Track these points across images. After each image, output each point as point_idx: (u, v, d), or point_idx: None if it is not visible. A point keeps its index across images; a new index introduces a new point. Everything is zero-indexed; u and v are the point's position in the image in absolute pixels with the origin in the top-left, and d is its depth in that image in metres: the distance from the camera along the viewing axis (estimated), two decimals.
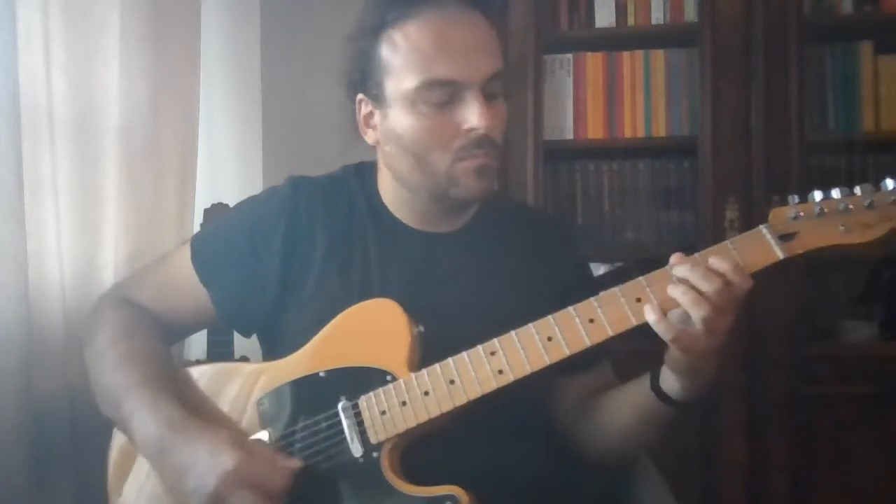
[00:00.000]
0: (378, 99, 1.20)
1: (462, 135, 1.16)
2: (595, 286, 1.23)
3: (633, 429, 1.22)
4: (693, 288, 1.03)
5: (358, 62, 1.21)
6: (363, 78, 1.21)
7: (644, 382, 1.18)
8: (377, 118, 1.22)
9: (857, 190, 1.04)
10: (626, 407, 1.21)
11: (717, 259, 1.04)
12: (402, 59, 1.16)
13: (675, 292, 1.04)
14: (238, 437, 1.13)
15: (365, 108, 1.23)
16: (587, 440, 1.27)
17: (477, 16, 1.19)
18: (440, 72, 1.14)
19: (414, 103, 1.16)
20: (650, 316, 1.04)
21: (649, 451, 1.35)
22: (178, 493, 1.12)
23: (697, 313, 1.02)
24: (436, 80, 1.14)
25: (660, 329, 1.04)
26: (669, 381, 1.13)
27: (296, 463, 1.12)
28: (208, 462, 1.08)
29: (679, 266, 1.05)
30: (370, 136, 1.25)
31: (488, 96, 1.17)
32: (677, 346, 1.04)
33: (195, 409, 1.19)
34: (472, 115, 1.15)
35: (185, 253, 1.31)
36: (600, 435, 1.25)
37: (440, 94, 1.15)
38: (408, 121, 1.17)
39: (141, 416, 1.15)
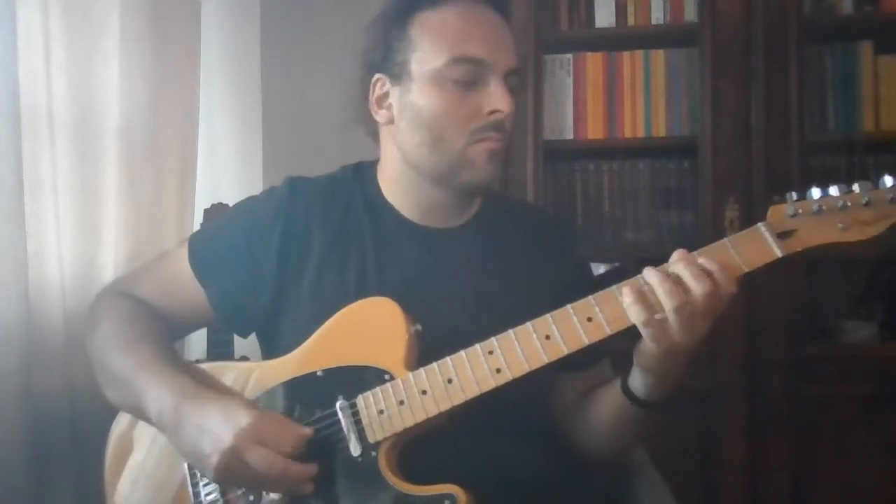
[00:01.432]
0: (400, 76, 1.22)
1: (482, 117, 1.19)
2: (594, 283, 1.23)
3: (611, 428, 1.22)
4: (679, 283, 1.02)
5: (382, 42, 1.23)
6: (385, 57, 1.23)
7: (617, 383, 1.18)
8: (394, 96, 1.24)
9: (856, 187, 1.04)
10: (608, 406, 1.21)
11: (705, 259, 1.04)
12: (434, 37, 1.19)
13: (652, 278, 1.04)
14: (250, 402, 1.15)
15: (380, 89, 1.25)
16: (580, 437, 1.27)
17: (500, 18, 1.23)
18: (472, 50, 1.18)
19: (440, 80, 1.18)
20: (627, 298, 1.04)
21: (630, 450, 1.33)
22: (194, 458, 1.13)
23: (670, 303, 1.01)
24: (466, 58, 1.18)
25: (633, 312, 1.03)
26: (636, 379, 1.13)
27: (307, 430, 1.13)
28: (223, 422, 1.09)
29: (676, 263, 1.05)
30: (382, 116, 1.26)
31: (508, 87, 1.20)
32: (648, 331, 1.03)
33: (205, 383, 1.20)
34: (497, 98, 1.18)
35: (184, 252, 1.32)
36: (590, 433, 1.25)
37: (467, 72, 1.18)
38: (431, 97, 1.19)
39: (156, 388, 1.16)
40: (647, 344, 1.06)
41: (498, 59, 1.19)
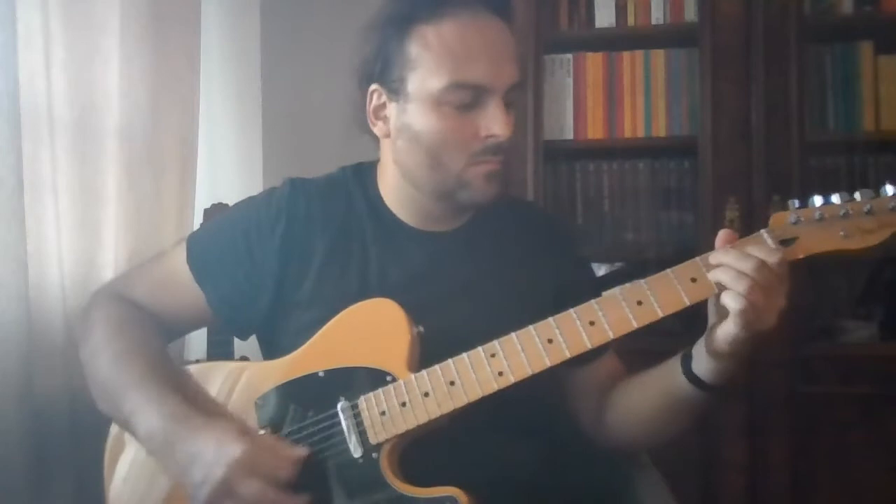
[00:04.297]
0: (397, 92, 1.19)
1: (480, 140, 1.17)
2: (595, 283, 1.23)
3: (661, 415, 1.21)
4: (731, 268, 1.03)
5: (379, 54, 1.20)
6: (383, 70, 1.20)
7: (674, 366, 1.17)
8: (390, 111, 1.22)
9: (857, 196, 1.05)
10: (656, 394, 1.21)
11: (751, 247, 1.05)
12: (433, 58, 1.16)
13: (717, 273, 1.04)
14: (243, 428, 1.14)
15: (377, 100, 1.23)
16: (613, 428, 1.27)
17: (503, 25, 1.20)
18: (471, 75, 1.15)
19: (438, 103, 1.16)
20: (726, 297, 1.04)
21: (675, 437, 1.29)
22: (185, 485, 1.12)
23: (740, 287, 1.02)
24: (465, 83, 1.15)
25: (729, 300, 1.03)
26: (704, 364, 1.12)
27: (302, 451, 1.12)
28: (215, 452, 1.08)
29: (715, 253, 1.06)
30: (379, 129, 1.24)
31: (506, 105, 1.18)
32: (742, 318, 1.03)
33: (197, 403, 1.18)
34: (495, 123, 1.16)
35: (181, 252, 1.30)
36: (627, 422, 1.25)
37: (465, 96, 1.15)
38: (429, 119, 1.17)
39: (144, 411, 1.14)
40: (736, 330, 1.05)
41: (497, 80, 1.16)
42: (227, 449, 1.08)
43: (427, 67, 1.16)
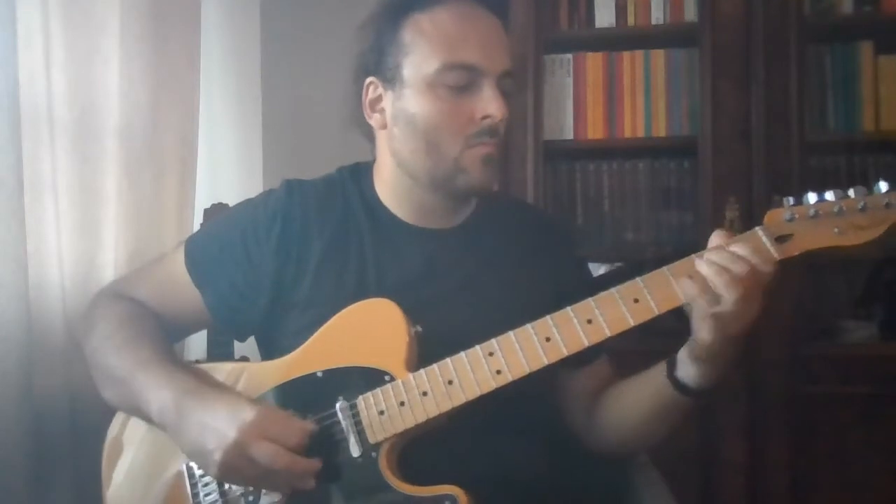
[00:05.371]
0: (393, 81, 1.21)
1: (476, 122, 1.19)
2: (593, 283, 1.23)
3: (649, 419, 1.22)
4: (725, 270, 1.04)
5: (375, 45, 1.23)
6: (378, 60, 1.22)
7: (659, 372, 1.17)
8: (387, 100, 1.23)
9: (851, 193, 1.05)
10: (643, 398, 1.21)
11: (739, 246, 1.05)
12: (427, 42, 1.18)
13: (710, 273, 1.04)
14: (253, 398, 1.15)
15: (373, 92, 1.25)
16: (603, 432, 1.27)
17: (495, 18, 1.23)
18: (464, 56, 1.17)
19: (433, 86, 1.18)
20: (691, 290, 1.05)
21: (665, 440, 1.30)
22: (198, 455, 1.13)
23: (732, 294, 1.02)
24: (459, 64, 1.17)
25: (701, 301, 1.04)
26: (686, 369, 1.13)
27: (311, 425, 1.12)
28: (227, 417, 1.09)
29: (709, 252, 1.06)
30: (376, 120, 1.26)
31: (500, 91, 1.19)
32: (714, 322, 1.04)
33: (207, 381, 1.20)
34: (490, 104, 1.18)
35: (180, 255, 1.31)
36: (617, 426, 1.26)
37: (460, 78, 1.17)
38: (424, 103, 1.19)
39: (156, 386, 1.16)
40: (708, 334, 1.05)
41: (491, 64, 1.18)
42: (239, 414, 1.09)
43: (421, 51, 1.18)
